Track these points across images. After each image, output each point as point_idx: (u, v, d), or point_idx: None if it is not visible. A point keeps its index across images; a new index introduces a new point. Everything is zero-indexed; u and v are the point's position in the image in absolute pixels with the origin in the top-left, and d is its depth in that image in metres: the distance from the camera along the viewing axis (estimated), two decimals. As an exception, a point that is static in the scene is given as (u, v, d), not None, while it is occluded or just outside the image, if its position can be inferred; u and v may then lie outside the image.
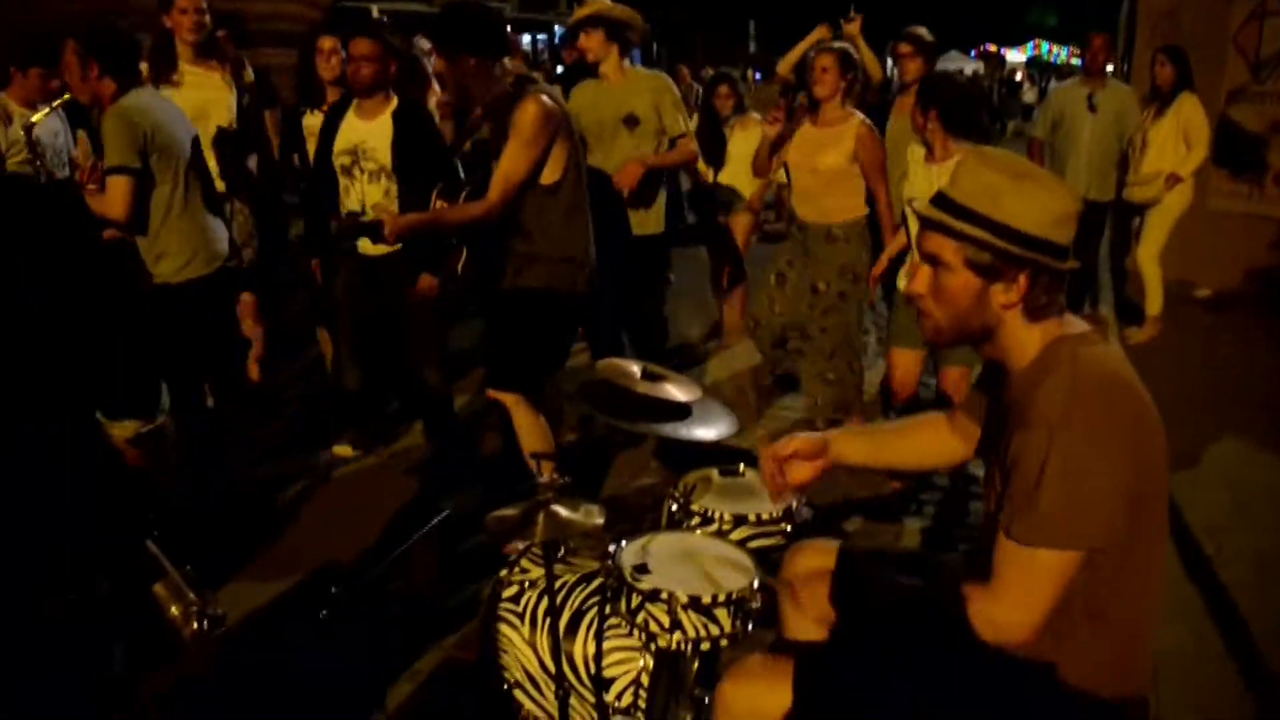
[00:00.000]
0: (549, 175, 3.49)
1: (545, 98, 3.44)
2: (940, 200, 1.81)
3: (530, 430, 3.65)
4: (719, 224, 6.39)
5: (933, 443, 2.27)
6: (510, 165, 3.43)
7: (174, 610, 1.83)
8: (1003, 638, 1.77)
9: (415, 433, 5.02)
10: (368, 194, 4.22)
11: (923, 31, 5.12)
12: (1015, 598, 1.73)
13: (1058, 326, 1.82)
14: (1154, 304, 6.60)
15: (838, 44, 4.79)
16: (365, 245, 4.18)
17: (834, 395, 4.72)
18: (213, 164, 4.65)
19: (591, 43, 4.49)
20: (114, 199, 3.66)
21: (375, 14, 8.40)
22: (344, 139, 4.25)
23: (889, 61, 6.42)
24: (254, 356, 5.48)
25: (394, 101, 4.23)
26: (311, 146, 4.69)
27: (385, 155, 4.16)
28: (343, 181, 4.27)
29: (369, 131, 4.20)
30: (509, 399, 3.65)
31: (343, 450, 4.80)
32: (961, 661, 1.83)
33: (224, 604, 3.28)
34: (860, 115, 4.60)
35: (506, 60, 3.64)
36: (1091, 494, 1.67)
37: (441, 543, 3.86)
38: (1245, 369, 6.11)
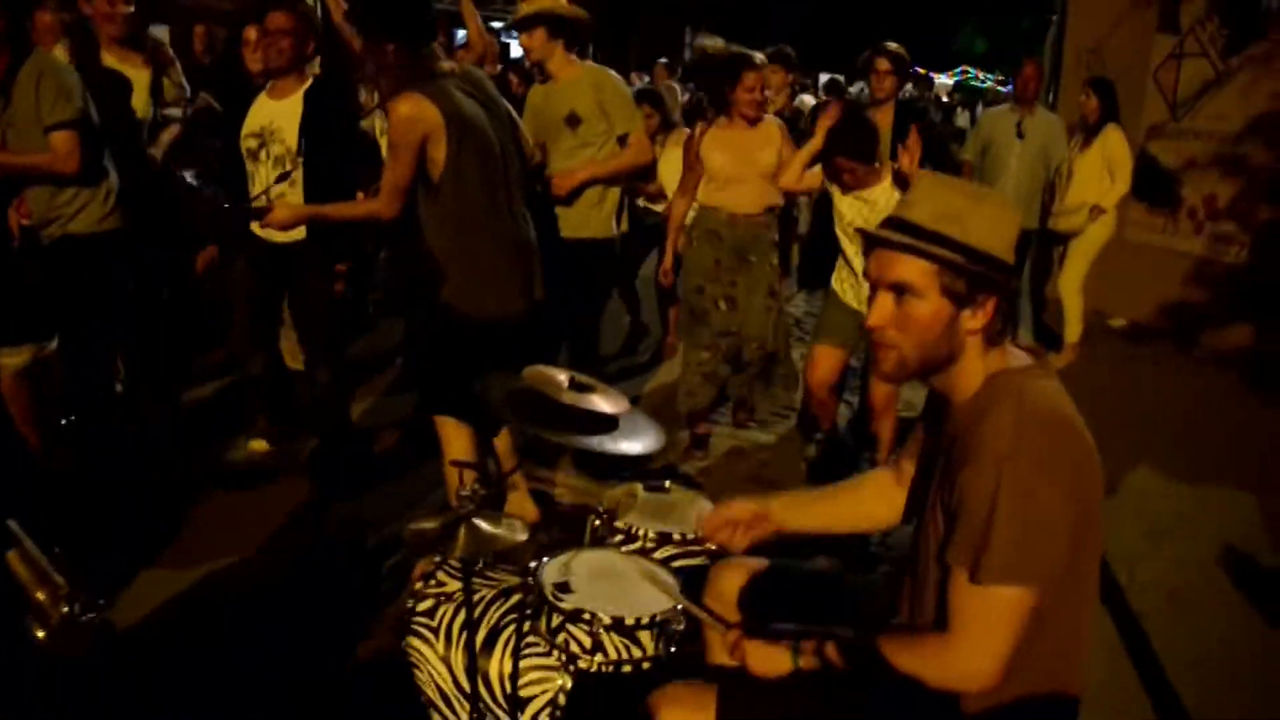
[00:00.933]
0: (433, 178, 3.31)
1: (417, 96, 3.20)
2: (901, 225, 1.75)
3: (453, 440, 3.53)
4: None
5: (880, 500, 2.19)
6: (389, 166, 3.31)
7: (40, 595, 1.71)
8: (965, 686, 1.73)
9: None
10: (272, 180, 4.03)
11: (900, 49, 5.11)
12: (977, 643, 1.68)
13: (1001, 358, 1.80)
14: (1073, 332, 6.72)
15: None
16: (268, 232, 3.99)
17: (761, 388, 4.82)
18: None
19: (533, 42, 4.28)
20: (65, 154, 3.67)
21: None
22: (253, 120, 4.06)
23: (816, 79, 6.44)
24: None
25: (309, 80, 4.06)
26: None
27: (292, 137, 3.97)
28: (249, 167, 4.09)
29: (278, 112, 4.02)
30: (439, 421, 3.54)
31: (257, 444, 4.62)
32: (890, 687, 1.78)
33: (121, 601, 3.22)
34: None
35: (437, 48, 3.42)
36: (1044, 527, 1.64)
37: (350, 551, 3.75)
38: (1159, 399, 6.25)
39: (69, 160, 3.69)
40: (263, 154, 4.03)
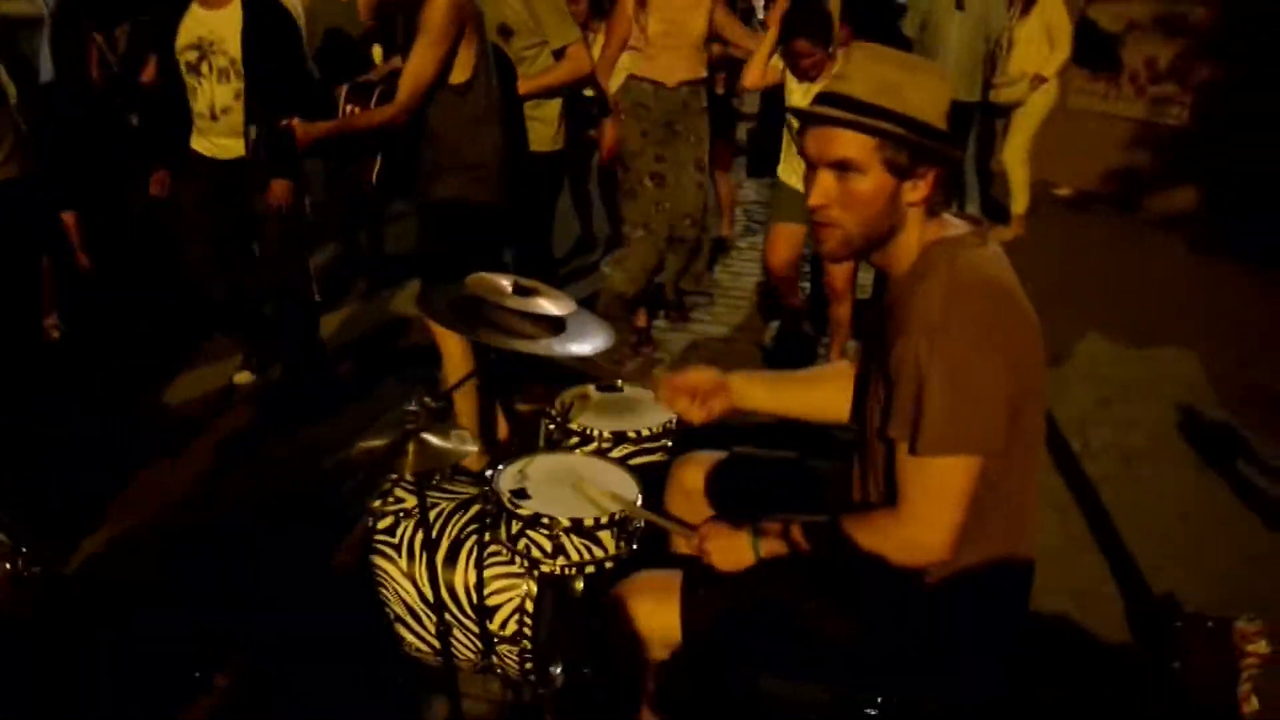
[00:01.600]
0: (458, 75, 3.27)
1: None
2: (836, 100, 1.70)
3: (458, 361, 3.46)
4: (584, 138, 6.10)
5: (842, 392, 2.11)
6: (418, 64, 3.20)
7: None
8: (920, 559, 1.74)
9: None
10: (217, 95, 3.88)
11: None
12: (924, 514, 1.69)
13: (937, 229, 1.77)
14: (1019, 203, 6.73)
15: None
16: (212, 149, 3.89)
17: (678, 261, 4.80)
18: None
19: None
20: None
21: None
22: (187, 32, 3.87)
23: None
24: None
25: None
26: None
27: (235, 48, 3.81)
28: (189, 81, 3.90)
29: (216, 21, 3.84)
30: (439, 332, 3.44)
31: (241, 377, 4.53)
32: (849, 566, 1.79)
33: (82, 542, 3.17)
34: None
35: None
36: (978, 396, 1.63)
37: (308, 471, 3.71)
38: (1105, 265, 6.31)
39: None
40: (203, 67, 3.85)
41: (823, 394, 2.20)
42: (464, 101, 3.31)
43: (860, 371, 1.99)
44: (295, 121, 3.32)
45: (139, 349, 4.91)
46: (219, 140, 3.93)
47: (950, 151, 1.71)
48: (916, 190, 1.71)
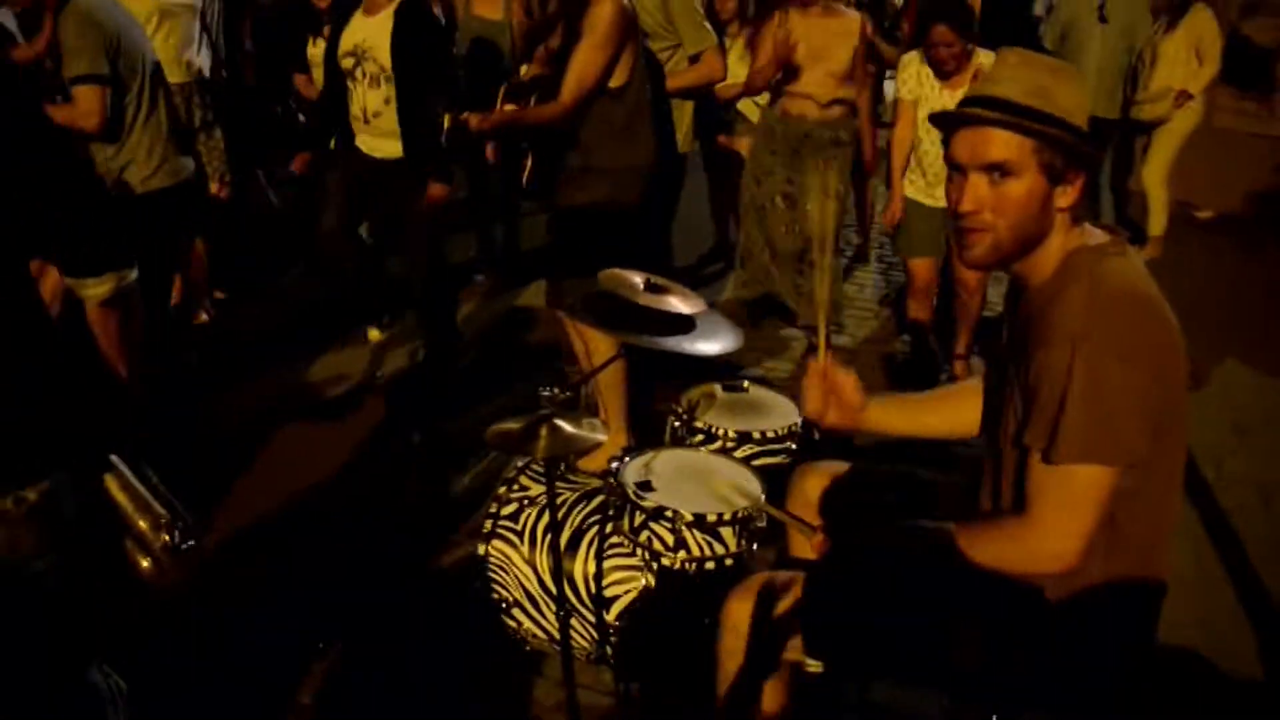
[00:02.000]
0: (616, 79, 3.34)
1: None
2: (989, 102, 1.70)
3: (596, 354, 3.48)
4: (718, 146, 6.13)
5: (971, 409, 2.11)
6: (583, 67, 3.26)
7: (141, 524, 1.73)
8: (1046, 568, 1.71)
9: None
10: (368, 100, 4.02)
11: None
12: (1056, 523, 1.67)
13: (1079, 237, 1.75)
14: (1157, 225, 6.50)
15: None
16: (372, 147, 4.04)
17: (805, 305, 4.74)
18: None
19: None
20: (87, 109, 3.48)
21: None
22: (348, 39, 4.04)
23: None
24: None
25: None
26: (317, 76, 4.53)
27: (385, 55, 3.95)
28: (348, 85, 4.07)
29: (371, 29, 3.99)
30: (590, 333, 3.48)
31: (374, 334, 4.83)
32: (971, 578, 1.77)
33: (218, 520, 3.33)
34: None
35: None
36: (1120, 406, 1.60)
37: (437, 456, 3.82)
38: (1247, 291, 6.05)
39: (89, 116, 3.50)
40: (358, 73, 4.01)
41: (950, 414, 2.19)
42: (618, 105, 3.37)
43: (993, 382, 1.97)
44: (470, 115, 3.38)
45: (278, 330, 5.13)
46: (371, 140, 4.06)
47: (1098, 156, 1.71)
48: (1066, 195, 1.71)
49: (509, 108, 3.66)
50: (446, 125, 3.49)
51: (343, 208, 4.36)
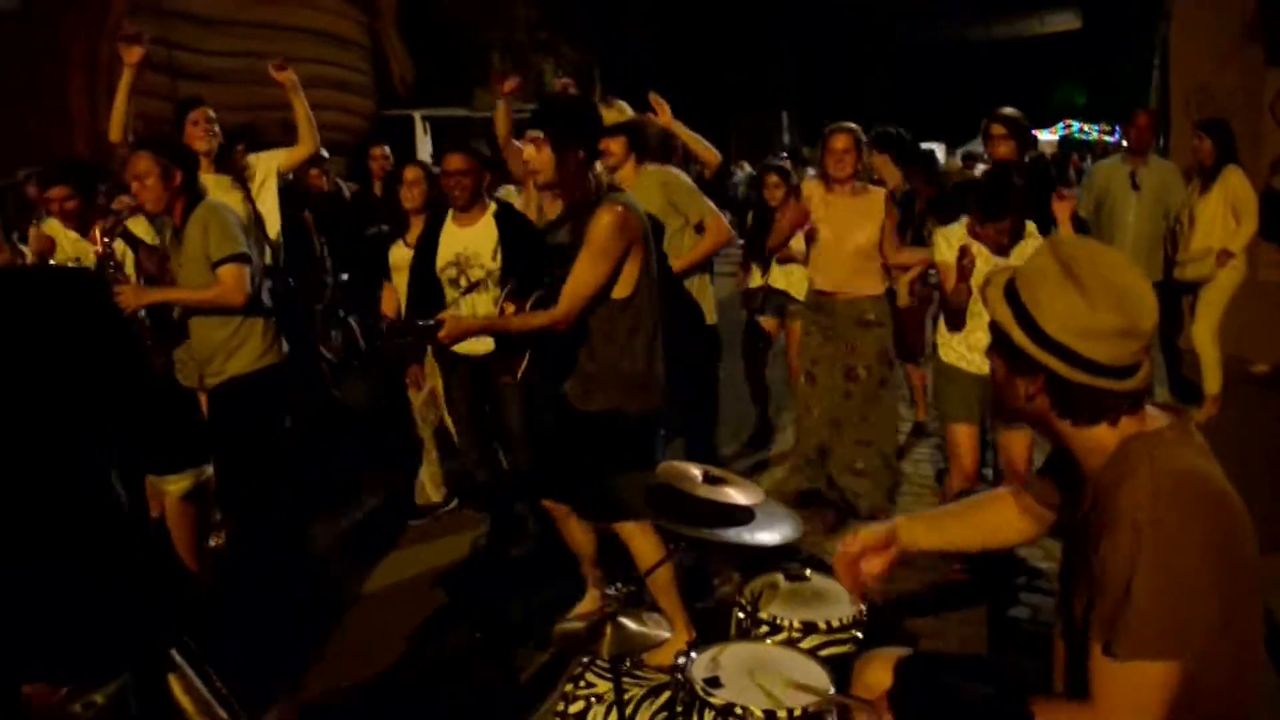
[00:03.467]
0: (620, 290, 3.35)
1: (621, 208, 3.29)
2: (1012, 279, 1.79)
3: (650, 558, 3.41)
4: (759, 326, 6.22)
5: (1001, 522, 2.18)
6: (580, 276, 3.29)
7: None
8: None
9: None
10: (477, 304, 4.22)
11: (1015, 113, 5.01)
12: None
13: (1136, 423, 1.75)
14: (1213, 383, 6.46)
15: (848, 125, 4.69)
16: (466, 347, 4.07)
17: (867, 486, 4.71)
18: None
19: (615, 147, 4.47)
20: (233, 286, 3.86)
21: (419, 121, 8.56)
22: (446, 249, 4.27)
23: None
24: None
25: (491, 205, 4.29)
26: (399, 280, 4.75)
27: (489, 260, 4.18)
28: (450, 294, 4.26)
29: (470, 238, 4.23)
30: (626, 529, 3.45)
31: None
32: None
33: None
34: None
35: (599, 164, 3.56)
36: (1186, 597, 1.59)
37: (502, 650, 3.81)
38: (1312, 446, 5.93)
39: (236, 292, 3.87)
40: (462, 280, 4.24)
41: (986, 524, 2.21)
42: (622, 317, 3.38)
43: (1062, 567, 1.96)
44: (446, 315, 3.47)
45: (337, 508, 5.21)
46: (474, 343, 4.08)
47: (1054, 364, 1.70)
48: (1029, 387, 1.76)
49: (509, 307, 3.79)
50: (384, 327, 3.57)
51: (464, 418, 4.57)
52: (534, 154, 3.31)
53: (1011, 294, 1.74)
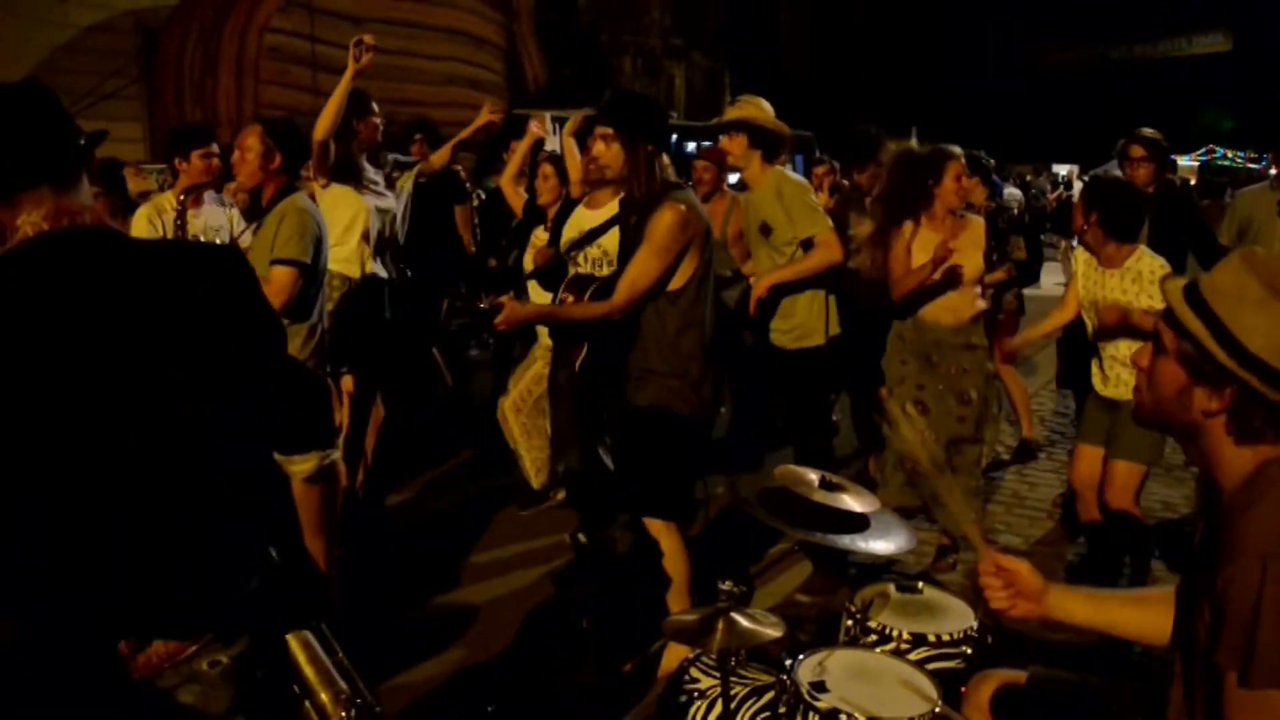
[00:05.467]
0: (674, 283, 3.40)
1: (684, 206, 3.34)
2: (1190, 288, 1.73)
3: (674, 560, 3.52)
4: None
5: (1164, 616, 2.00)
6: (639, 271, 3.35)
7: (323, 697, 1.80)
8: None
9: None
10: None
11: (1155, 134, 4.88)
12: None
13: (1276, 447, 1.71)
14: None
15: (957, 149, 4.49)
16: None
17: (979, 505, 4.64)
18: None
19: (734, 146, 4.39)
20: (279, 287, 3.75)
21: (549, 120, 8.73)
22: (571, 229, 4.38)
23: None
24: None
25: (621, 193, 4.19)
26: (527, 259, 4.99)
27: (611, 245, 4.19)
28: (570, 269, 4.33)
29: (595, 220, 4.30)
30: (655, 525, 3.53)
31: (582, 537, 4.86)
32: None
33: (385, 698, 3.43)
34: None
35: (665, 158, 3.55)
36: None
37: (602, 644, 3.86)
38: None
39: (279, 295, 3.75)
40: (580, 258, 4.29)
41: (1145, 614, 2.10)
42: (672, 310, 3.41)
43: (1183, 588, 1.91)
44: (506, 299, 3.50)
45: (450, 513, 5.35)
46: None
47: (1254, 382, 1.64)
48: (1211, 401, 1.68)
49: (567, 297, 3.83)
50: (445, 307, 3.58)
51: (562, 402, 4.64)
52: (603, 149, 3.38)
53: (1198, 305, 1.69)
